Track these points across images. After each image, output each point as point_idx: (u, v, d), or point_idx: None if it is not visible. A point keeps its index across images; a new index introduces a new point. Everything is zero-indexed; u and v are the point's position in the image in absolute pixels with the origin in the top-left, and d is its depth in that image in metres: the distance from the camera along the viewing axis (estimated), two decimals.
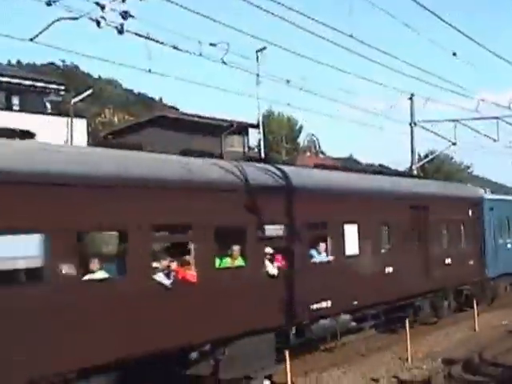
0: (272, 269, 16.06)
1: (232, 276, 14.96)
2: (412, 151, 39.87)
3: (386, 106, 34.48)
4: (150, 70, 18.97)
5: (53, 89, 42.21)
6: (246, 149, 51.11)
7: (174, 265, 13.73)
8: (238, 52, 19.94)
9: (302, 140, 71.60)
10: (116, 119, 71.32)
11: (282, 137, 56.06)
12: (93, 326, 11.66)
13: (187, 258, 14.00)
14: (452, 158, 74.56)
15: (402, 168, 67.61)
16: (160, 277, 13.23)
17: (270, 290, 15.76)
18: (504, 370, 17.93)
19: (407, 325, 19.61)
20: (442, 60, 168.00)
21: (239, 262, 15.44)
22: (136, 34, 16.82)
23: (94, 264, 12.26)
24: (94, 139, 49.67)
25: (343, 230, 18.72)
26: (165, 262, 13.50)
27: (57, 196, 11.38)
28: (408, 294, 21.97)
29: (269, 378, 15.50)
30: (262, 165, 17.32)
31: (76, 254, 11.73)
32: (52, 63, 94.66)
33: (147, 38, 17.31)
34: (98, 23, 14.79)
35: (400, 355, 19.56)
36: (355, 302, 18.96)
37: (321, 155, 78.00)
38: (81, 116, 40.15)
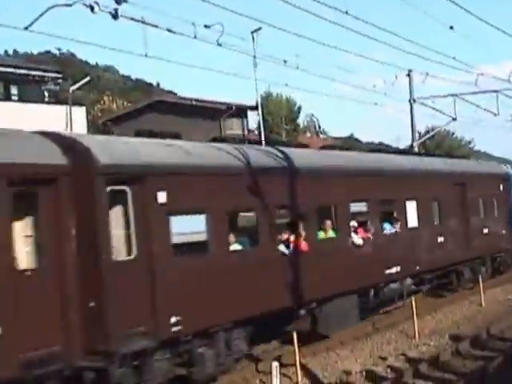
0: (357, 239, 19.15)
1: (327, 246, 17.99)
2: (412, 128, 39.73)
3: (385, 84, 34.15)
4: (146, 55, 18.85)
5: (50, 77, 42.03)
6: (246, 131, 50.97)
7: (291, 237, 16.85)
8: (233, 33, 19.84)
9: (302, 120, 71.44)
10: (115, 106, 71.04)
11: (281, 118, 55.82)
12: (237, 287, 14.65)
13: (299, 231, 16.97)
14: (453, 134, 74.31)
15: (402, 145, 67.53)
16: (282, 247, 16.59)
17: (356, 257, 18.91)
18: None
19: (413, 302, 19.58)
20: (440, 35, 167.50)
21: (331, 234, 18.46)
22: (131, 18, 16.71)
23: (231, 238, 15.19)
24: (94, 127, 49.59)
25: (405, 206, 21.90)
26: (285, 236, 16.79)
27: (217, 184, 14.60)
28: (454, 260, 24.96)
29: (277, 359, 15.48)
30: (350, 152, 22.69)
31: (225, 230, 14.89)
32: (48, 52, 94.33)
33: (142, 22, 17.19)
34: (92, 8, 14.69)
35: (407, 332, 19.56)
36: (417, 268, 22.09)
37: (321, 135, 77.92)
38: (79, 104, 39.98)
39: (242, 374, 15.60)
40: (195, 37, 18.45)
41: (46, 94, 41.53)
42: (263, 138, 35.82)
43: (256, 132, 52.51)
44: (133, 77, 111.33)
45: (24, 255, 11.48)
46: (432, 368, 15.99)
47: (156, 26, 17.31)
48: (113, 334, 11.99)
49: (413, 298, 19.79)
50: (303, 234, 17.08)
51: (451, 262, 24.68)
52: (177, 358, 13.56)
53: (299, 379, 15.02)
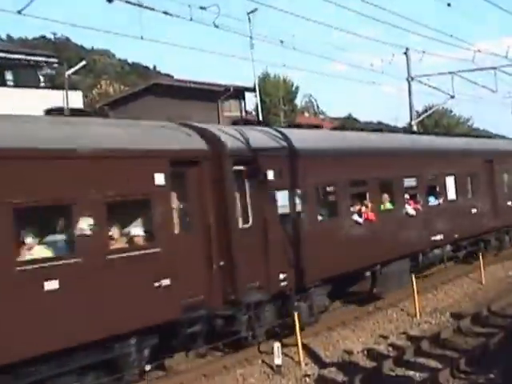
0: (410, 210, 22.09)
1: (387, 216, 20.92)
2: (410, 107, 39.63)
3: (382, 62, 34.00)
4: (142, 37, 18.75)
5: (46, 62, 41.90)
6: (244, 113, 50.81)
7: (363, 208, 19.66)
8: (229, 15, 19.75)
9: (300, 101, 71.26)
10: (112, 90, 70.84)
11: (279, 99, 55.61)
12: (323, 251, 17.34)
13: (368, 203, 19.86)
14: (451, 112, 74.16)
15: (400, 124, 67.41)
16: (355, 217, 19.32)
17: (409, 226, 21.90)
18: None
19: (414, 280, 19.60)
20: (438, 12, 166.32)
21: (389, 206, 21.25)
22: (126, 1, 16.58)
23: (317, 209, 17.90)
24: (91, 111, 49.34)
25: (446, 181, 24.88)
26: (358, 207, 19.64)
27: (308, 164, 17.32)
28: (484, 230, 27.39)
29: (279, 339, 15.50)
30: (398, 135, 27.21)
31: (315, 202, 17.88)
32: (43, 36, 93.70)
33: (138, 5, 17.06)
34: None
35: (408, 311, 19.59)
36: (456, 236, 24.70)
37: (320, 115, 77.80)
38: (76, 88, 39.85)
39: (244, 354, 15.61)
40: (191, 19, 18.36)
41: (42, 78, 41.38)
42: (261, 119, 35.71)
43: (254, 113, 52.38)
44: (129, 60, 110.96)
45: (177, 221, 14.10)
46: (433, 345, 16.02)
47: (152, 9, 17.21)
48: (239, 288, 14.86)
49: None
50: (370, 205, 19.89)
51: (482, 231, 27.20)
52: (279, 309, 16.36)
53: (301, 359, 15.04)
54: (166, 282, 13.16)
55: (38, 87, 38.79)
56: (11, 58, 38.76)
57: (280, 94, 55.75)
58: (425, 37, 25.11)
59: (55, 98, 33.21)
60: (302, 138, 18.10)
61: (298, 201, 16.87)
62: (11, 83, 38.15)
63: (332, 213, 18.83)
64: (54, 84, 42.13)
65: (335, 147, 19.33)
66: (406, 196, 22.26)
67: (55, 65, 43.01)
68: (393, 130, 36.82)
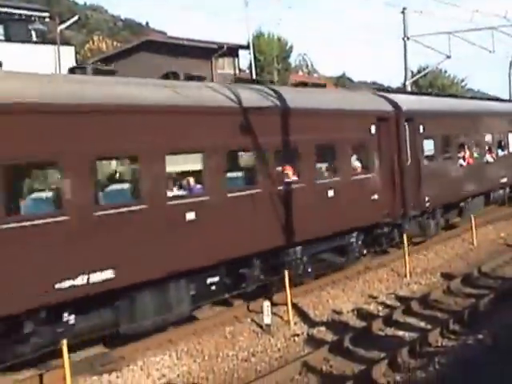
0: (490, 158, 28.36)
1: (476, 162, 27.21)
2: (405, 67, 39.23)
3: (378, 21, 33.68)
4: None
5: (37, 17, 41.26)
6: (237, 71, 50.31)
7: (466, 154, 26.05)
8: None
9: (294, 60, 70.54)
10: (104, 46, 70.05)
11: (273, 57, 54.99)
12: (444, 183, 23.83)
13: (468, 151, 26.36)
14: (446, 72, 73.64)
15: (394, 84, 66.96)
16: (460, 161, 25.76)
17: (487, 170, 28.16)
18: (503, 283, 17.98)
19: (405, 238, 19.57)
20: None
21: (476, 155, 27.39)
22: None
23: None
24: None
25: (508, 136, 31.23)
26: (462, 153, 25.88)
27: (437, 121, 23.87)
28: None
29: (269, 298, 15.47)
30: (475, 100, 33.84)
31: (441, 149, 24.47)
32: None
33: None
34: None
35: (398, 271, 19.57)
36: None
37: (314, 74, 77.17)
38: (68, 44, 39.32)
39: (233, 312, 15.60)
40: None
41: (34, 33, 40.78)
42: (254, 78, 35.38)
43: (247, 71, 51.87)
44: (122, 16, 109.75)
45: (378, 158, 20.35)
46: (423, 306, 16.04)
47: None
48: (407, 206, 21.31)
49: (405, 237, 19.84)
50: (468, 153, 26.30)
51: None
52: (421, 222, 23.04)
53: (290, 318, 15.02)
54: (375, 197, 19.93)
55: (29, 42, 38.25)
56: (2, 11, 38.16)
57: (274, 52, 55.11)
58: None
59: (46, 53, 32.85)
60: (445, 103, 27.49)
61: (434, 147, 23.67)
62: (2, 37, 37.60)
63: (449, 157, 25.13)
64: (45, 39, 41.52)
65: (451, 110, 25.94)
66: (486, 147, 28.57)
67: (47, 19, 42.36)
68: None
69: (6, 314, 10.61)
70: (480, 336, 12.60)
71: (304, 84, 24.03)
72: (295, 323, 15.04)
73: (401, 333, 14.23)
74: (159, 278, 13.05)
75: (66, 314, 11.74)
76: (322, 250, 18.13)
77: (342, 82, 76.67)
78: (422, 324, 14.76)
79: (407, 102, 22.61)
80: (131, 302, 12.85)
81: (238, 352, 13.45)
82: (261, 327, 14.66)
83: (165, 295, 13.50)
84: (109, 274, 11.96)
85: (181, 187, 14.39)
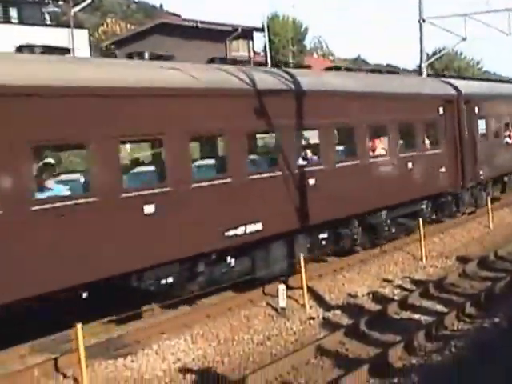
0: (509, 140, 29.36)
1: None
2: (421, 49, 38.87)
3: (394, 3, 33.37)
4: None
5: None
6: (252, 53, 50.12)
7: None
8: None
9: (309, 42, 70.23)
10: (118, 29, 69.88)
11: (287, 39, 54.77)
12: (495, 158, 27.01)
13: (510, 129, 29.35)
14: (461, 54, 73.11)
15: (409, 67, 66.53)
16: (507, 139, 28.64)
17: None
18: None
19: (421, 223, 19.46)
20: None
21: None
22: None
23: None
24: (97, 50, 48.78)
25: None
26: (507, 132, 28.74)
27: (489, 104, 26.83)
28: None
29: (284, 282, 15.44)
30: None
31: (493, 128, 27.55)
32: None
33: None
34: None
35: (414, 255, 19.49)
36: None
37: (329, 57, 76.77)
38: (81, 27, 39.24)
39: (248, 295, 15.59)
40: None
41: (47, 16, 40.72)
42: (269, 60, 35.25)
43: (262, 54, 51.68)
44: None
45: (445, 134, 23.24)
46: (439, 289, 15.97)
47: None
48: (466, 178, 23.85)
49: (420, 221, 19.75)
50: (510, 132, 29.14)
51: None
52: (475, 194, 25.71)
53: (306, 302, 14.99)
54: (442, 170, 22.68)
55: (42, 25, 38.19)
56: None
57: (289, 34, 54.89)
58: None
59: (60, 36, 32.74)
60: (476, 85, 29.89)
61: (486, 126, 26.36)
62: (15, 20, 37.56)
63: (497, 135, 27.86)
64: (58, 22, 41.49)
65: (499, 93, 29.20)
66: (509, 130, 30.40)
67: (60, 2, 42.26)
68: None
69: (192, 254, 13.56)
70: (496, 319, 12.53)
71: (378, 71, 27.98)
72: (310, 307, 14.99)
73: (416, 316, 14.17)
74: (288, 231, 15.92)
75: (228, 257, 14.60)
76: (400, 215, 20.85)
77: (358, 64, 76.30)
78: (438, 307, 14.70)
79: (465, 86, 25.83)
80: (266, 251, 15.67)
81: (254, 335, 13.44)
82: (276, 311, 14.62)
83: (289, 246, 16.27)
84: (259, 226, 14.89)
85: (304, 158, 17.32)
